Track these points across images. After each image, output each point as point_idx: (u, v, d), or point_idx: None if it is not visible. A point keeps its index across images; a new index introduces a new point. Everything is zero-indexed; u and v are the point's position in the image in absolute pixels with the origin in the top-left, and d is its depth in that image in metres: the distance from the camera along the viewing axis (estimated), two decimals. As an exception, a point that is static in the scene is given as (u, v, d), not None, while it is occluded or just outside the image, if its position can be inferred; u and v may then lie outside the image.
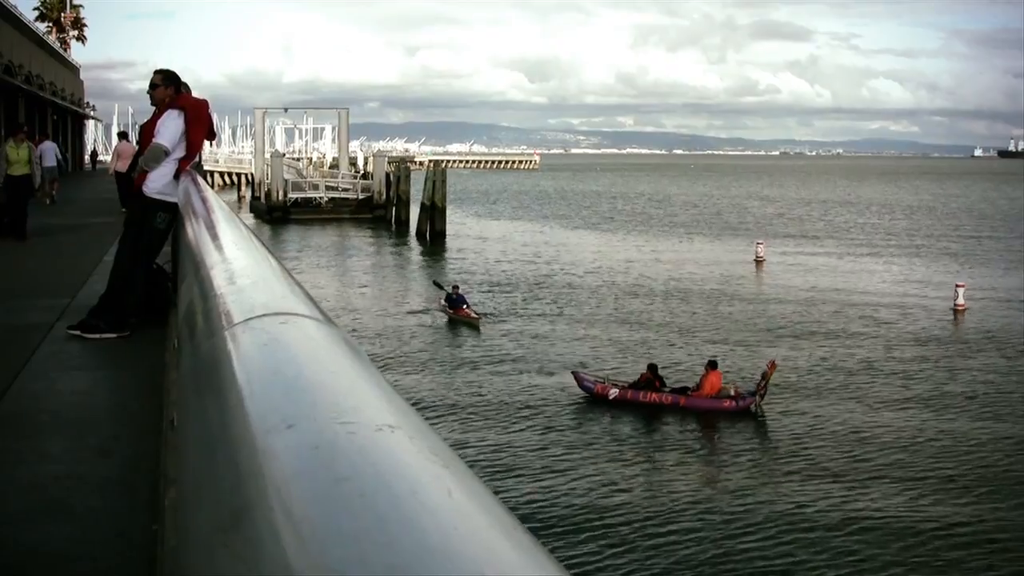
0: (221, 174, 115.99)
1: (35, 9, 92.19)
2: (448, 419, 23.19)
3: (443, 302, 36.04)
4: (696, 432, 23.15)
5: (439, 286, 38.76)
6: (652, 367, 25.36)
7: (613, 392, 24.57)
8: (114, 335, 8.67)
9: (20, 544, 4.32)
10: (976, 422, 23.60)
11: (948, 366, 29.30)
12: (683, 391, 24.73)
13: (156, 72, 9.38)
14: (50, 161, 34.71)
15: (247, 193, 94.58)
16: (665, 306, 39.00)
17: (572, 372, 26.05)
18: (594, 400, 24.63)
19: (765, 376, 24.46)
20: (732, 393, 24.49)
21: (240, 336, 1.98)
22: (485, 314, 35.63)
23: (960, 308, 38.26)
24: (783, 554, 16.12)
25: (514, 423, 23.03)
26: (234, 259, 3.41)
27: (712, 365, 25.26)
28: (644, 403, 24.34)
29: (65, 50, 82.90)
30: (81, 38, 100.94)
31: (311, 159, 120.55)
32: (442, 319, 35.23)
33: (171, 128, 9.03)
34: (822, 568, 15.68)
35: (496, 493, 1.20)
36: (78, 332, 8.70)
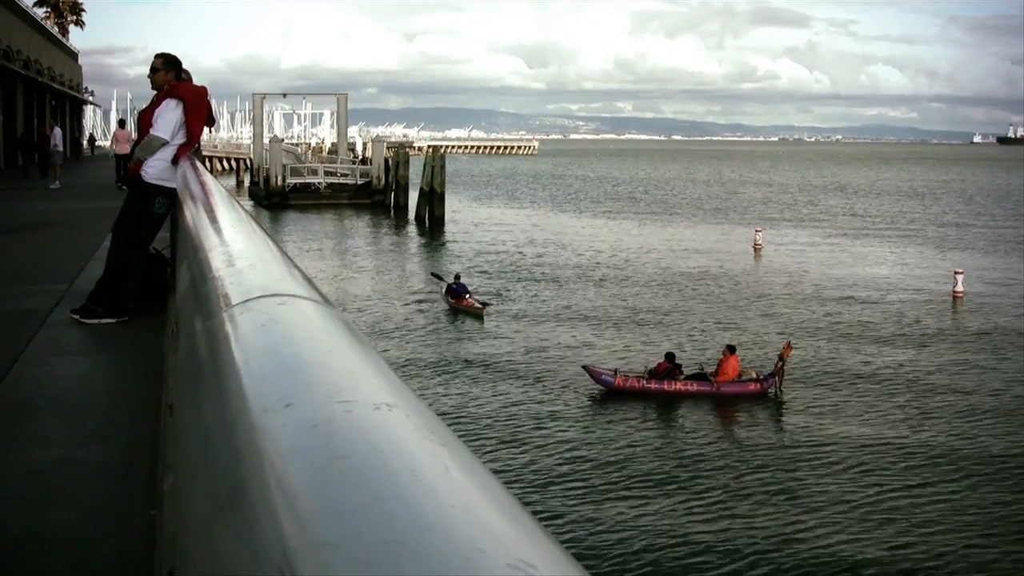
0: (220, 159, 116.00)
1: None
2: (450, 405, 23.02)
3: (444, 292, 35.31)
4: (717, 417, 23.26)
5: (438, 277, 37.25)
6: (670, 356, 25.07)
7: (642, 384, 24.10)
8: (112, 320, 8.66)
9: (18, 529, 4.32)
10: (975, 409, 23.62)
11: (947, 353, 29.31)
12: (703, 377, 24.65)
13: (157, 56, 9.36)
14: (60, 146, 35.00)
15: (246, 178, 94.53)
16: (666, 293, 38.97)
17: (583, 366, 25.15)
18: (607, 392, 24.08)
19: (782, 358, 24.74)
20: (754, 376, 24.71)
21: (238, 317, 1.98)
22: (486, 303, 34.91)
23: (959, 295, 38.25)
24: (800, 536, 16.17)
25: (520, 413, 22.71)
26: (232, 242, 3.41)
27: (731, 349, 25.35)
28: (670, 392, 24.05)
29: (64, 35, 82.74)
30: (79, 23, 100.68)
31: (310, 144, 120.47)
32: (442, 307, 34.78)
33: (168, 119, 9.02)
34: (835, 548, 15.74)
35: (493, 471, 1.20)
36: (77, 317, 8.70)
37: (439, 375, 25.78)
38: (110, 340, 8.32)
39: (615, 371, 24.64)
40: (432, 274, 37.96)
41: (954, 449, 20.81)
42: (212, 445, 1.46)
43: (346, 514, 0.97)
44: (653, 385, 24.18)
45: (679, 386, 24.26)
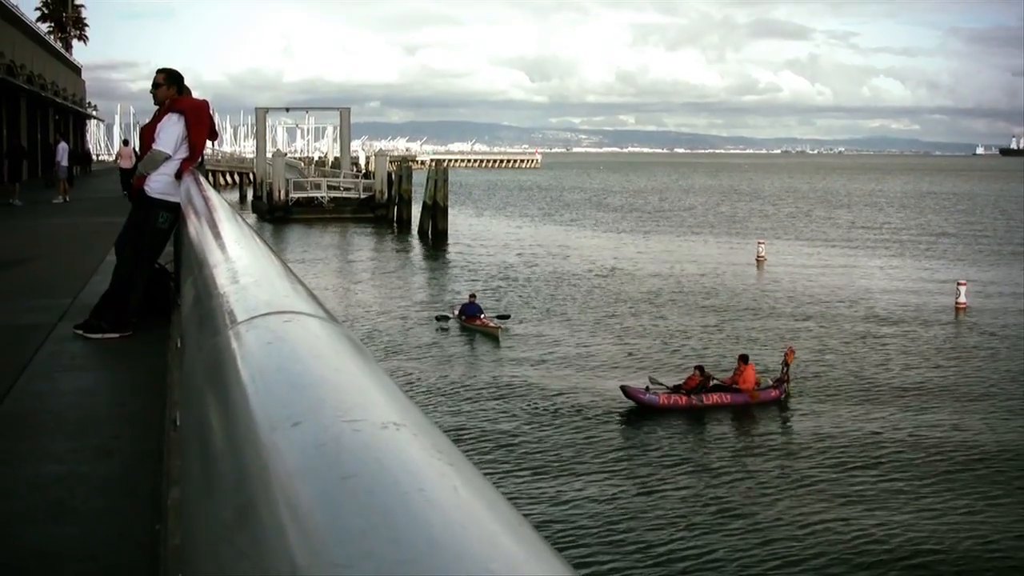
0: (223, 173, 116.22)
1: (36, 9, 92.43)
2: (470, 428, 22.55)
3: (457, 312, 34.25)
4: (747, 425, 23.47)
5: (443, 319, 34.48)
6: (700, 368, 25.12)
7: (687, 401, 24.07)
8: (116, 335, 8.66)
9: (22, 544, 4.32)
10: (978, 420, 23.59)
11: (950, 364, 29.28)
12: (725, 388, 24.87)
13: (159, 71, 9.37)
14: (65, 161, 35.15)
15: (249, 192, 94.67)
16: (671, 305, 38.90)
17: (621, 387, 24.34)
18: (629, 407, 23.81)
19: (786, 363, 25.31)
20: (771, 383, 25.28)
21: (244, 334, 1.98)
22: (505, 315, 34.14)
23: (961, 306, 38.23)
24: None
25: (546, 432, 22.29)
26: (237, 258, 3.41)
27: (744, 359, 25.61)
28: (708, 405, 24.16)
29: (67, 50, 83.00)
30: (82, 37, 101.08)
31: (312, 158, 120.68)
32: (454, 325, 33.79)
33: (170, 133, 9.03)
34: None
35: (501, 490, 1.20)
36: (81, 332, 8.70)
37: (453, 396, 25.28)
38: (114, 355, 8.32)
39: (647, 388, 24.33)
40: (436, 317, 35.02)
41: (957, 459, 20.79)
42: (219, 464, 1.46)
43: (356, 534, 0.97)
44: (694, 401, 24.23)
45: (716, 398, 24.49)
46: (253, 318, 2.06)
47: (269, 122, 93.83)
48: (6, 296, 11.40)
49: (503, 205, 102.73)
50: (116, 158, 36.91)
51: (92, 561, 4.21)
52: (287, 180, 74.55)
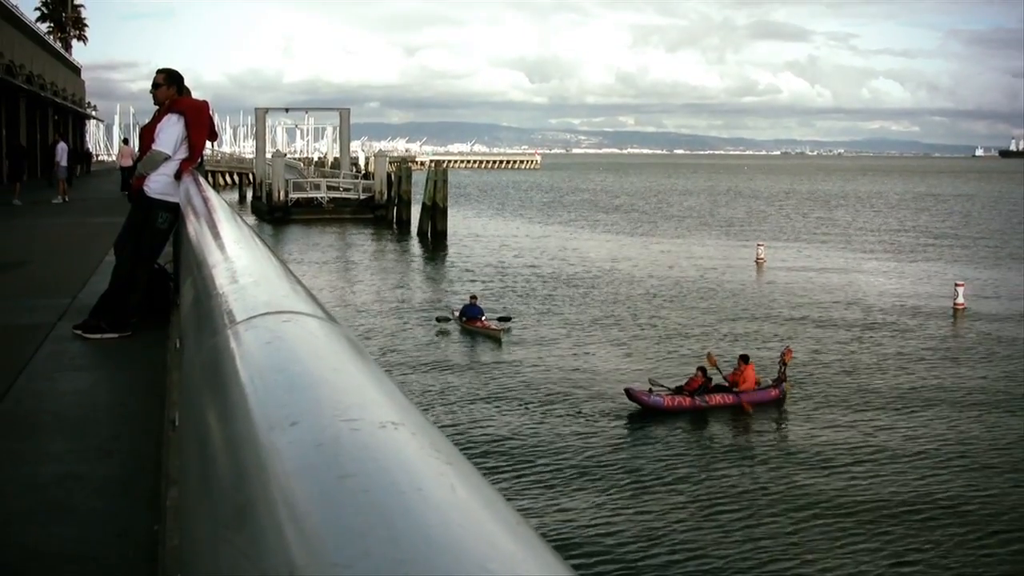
0: (223, 174, 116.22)
1: (36, 9, 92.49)
2: (474, 429, 22.42)
3: (458, 314, 33.81)
4: (746, 425, 23.48)
5: (443, 320, 33.99)
6: (702, 369, 25.05)
7: (691, 402, 24.13)
8: (115, 335, 8.66)
9: (21, 544, 4.32)
10: (975, 420, 23.60)
11: (948, 365, 29.29)
12: (726, 388, 24.92)
13: (159, 71, 9.38)
14: (65, 161, 35.17)
15: (248, 193, 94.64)
16: (670, 306, 38.90)
17: (625, 389, 24.30)
18: (632, 409, 23.76)
19: (784, 362, 25.48)
20: (770, 383, 25.32)
21: (243, 334, 1.97)
22: (506, 318, 33.81)
23: (959, 307, 38.25)
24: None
25: (549, 434, 22.17)
26: (236, 258, 3.41)
27: (744, 360, 25.65)
28: (711, 406, 24.20)
29: (67, 50, 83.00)
30: (82, 38, 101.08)
31: (312, 159, 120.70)
32: (454, 327, 33.52)
33: (170, 133, 9.04)
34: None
35: (502, 491, 1.20)
36: (80, 332, 8.70)
37: (454, 398, 25.13)
38: (113, 355, 8.32)
39: (650, 390, 24.29)
40: (436, 319, 34.38)
41: (955, 459, 20.81)
42: (217, 463, 1.46)
43: (354, 533, 0.97)
44: (697, 402, 24.24)
45: (719, 399, 24.54)
46: (252, 318, 2.06)
47: (269, 122, 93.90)
48: (6, 296, 11.41)
49: (502, 206, 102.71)
50: (118, 156, 37.25)
51: (91, 561, 4.21)
52: (287, 181, 74.52)
